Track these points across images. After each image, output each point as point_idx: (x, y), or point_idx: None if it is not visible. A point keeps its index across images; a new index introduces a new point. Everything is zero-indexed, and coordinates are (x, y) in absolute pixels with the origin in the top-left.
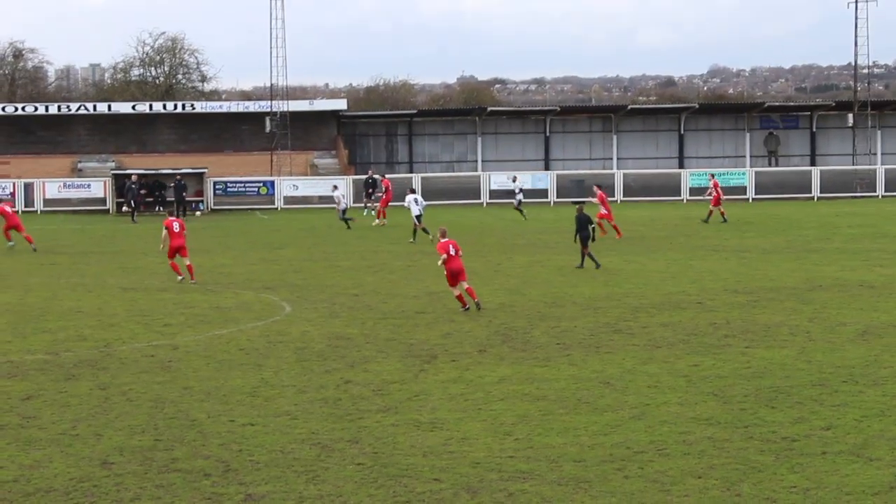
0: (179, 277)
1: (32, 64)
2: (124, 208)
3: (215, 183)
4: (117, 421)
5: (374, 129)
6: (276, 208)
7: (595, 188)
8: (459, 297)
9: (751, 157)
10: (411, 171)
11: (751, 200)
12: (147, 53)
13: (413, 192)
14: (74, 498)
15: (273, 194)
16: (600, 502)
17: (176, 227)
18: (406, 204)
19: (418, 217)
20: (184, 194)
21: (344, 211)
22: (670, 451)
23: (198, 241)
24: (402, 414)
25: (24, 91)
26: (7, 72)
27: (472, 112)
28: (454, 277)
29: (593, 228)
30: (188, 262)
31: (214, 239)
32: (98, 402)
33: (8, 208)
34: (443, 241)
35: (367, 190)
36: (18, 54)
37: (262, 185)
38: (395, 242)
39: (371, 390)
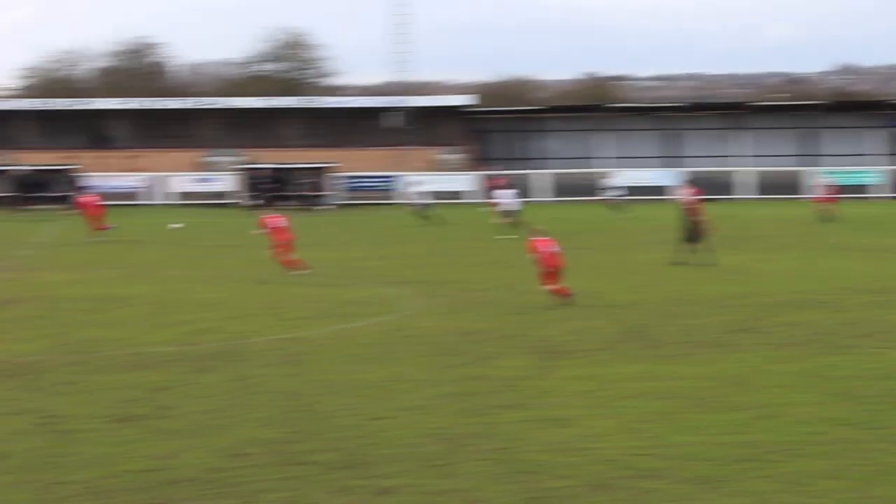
0: (306, 271)
1: (161, 58)
2: (253, 202)
3: (341, 178)
4: (249, 413)
5: (499, 124)
6: (402, 204)
7: (684, 187)
8: (560, 290)
9: (881, 154)
10: (536, 168)
11: (885, 200)
12: (273, 48)
13: (506, 187)
14: (207, 489)
15: (398, 190)
16: (733, 502)
17: (281, 222)
18: (500, 199)
19: (510, 212)
20: (308, 189)
21: (423, 206)
22: (802, 452)
23: (325, 236)
24: (531, 410)
25: (154, 85)
26: (137, 66)
27: (597, 108)
28: (552, 273)
29: (700, 225)
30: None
31: (342, 234)
32: (230, 393)
33: (92, 201)
34: (535, 238)
35: (490, 187)
36: (147, 49)
37: (388, 180)
38: (520, 238)
39: (500, 386)
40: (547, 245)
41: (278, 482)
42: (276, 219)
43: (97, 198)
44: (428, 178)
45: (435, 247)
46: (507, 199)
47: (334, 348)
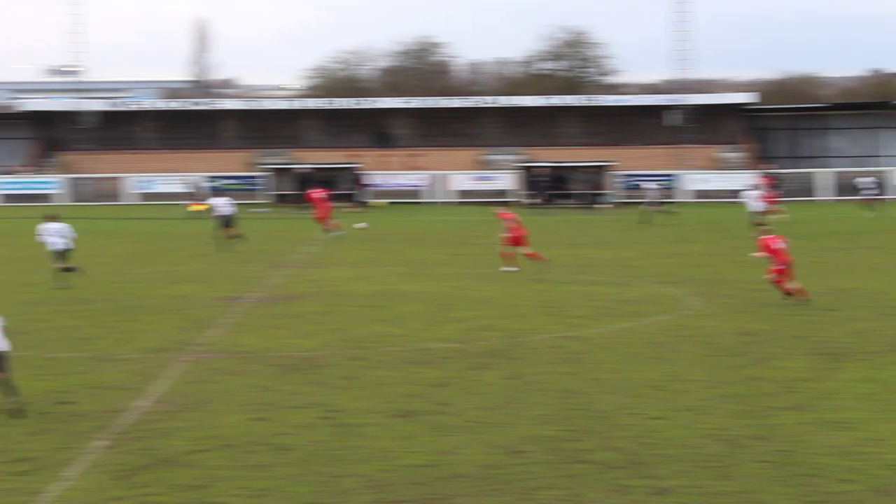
0: (514, 269)
1: (442, 58)
2: (532, 200)
3: (620, 176)
4: (527, 410)
5: (781, 122)
6: (681, 202)
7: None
8: (789, 291)
9: None
10: (818, 166)
11: None
12: (554, 47)
13: (754, 188)
14: (484, 484)
15: (677, 188)
16: None
17: (514, 219)
18: (746, 199)
19: (757, 212)
20: (587, 188)
21: (654, 204)
22: None
23: (603, 234)
24: (811, 412)
25: (435, 85)
26: (419, 66)
27: (884, 105)
28: (784, 271)
29: None
30: (528, 251)
31: (619, 232)
32: (508, 391)
33: (321, 197)
34: (766, 237)
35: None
36: (429, 48)
37: (667, 179)
38: (801, 238)
39: (779, 387)
40: (778, 243)
41: (555, 480)
42: (510, 215)
43: (326, 194)
44: (661, 177)
45: (713, 246)
46: (750, 199)
47: (613, 347)
